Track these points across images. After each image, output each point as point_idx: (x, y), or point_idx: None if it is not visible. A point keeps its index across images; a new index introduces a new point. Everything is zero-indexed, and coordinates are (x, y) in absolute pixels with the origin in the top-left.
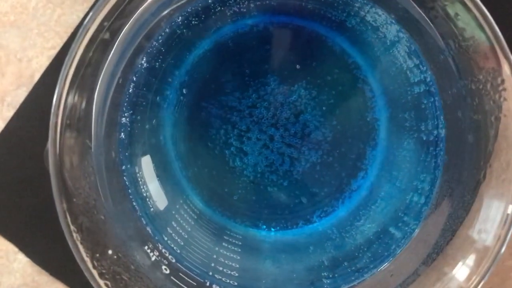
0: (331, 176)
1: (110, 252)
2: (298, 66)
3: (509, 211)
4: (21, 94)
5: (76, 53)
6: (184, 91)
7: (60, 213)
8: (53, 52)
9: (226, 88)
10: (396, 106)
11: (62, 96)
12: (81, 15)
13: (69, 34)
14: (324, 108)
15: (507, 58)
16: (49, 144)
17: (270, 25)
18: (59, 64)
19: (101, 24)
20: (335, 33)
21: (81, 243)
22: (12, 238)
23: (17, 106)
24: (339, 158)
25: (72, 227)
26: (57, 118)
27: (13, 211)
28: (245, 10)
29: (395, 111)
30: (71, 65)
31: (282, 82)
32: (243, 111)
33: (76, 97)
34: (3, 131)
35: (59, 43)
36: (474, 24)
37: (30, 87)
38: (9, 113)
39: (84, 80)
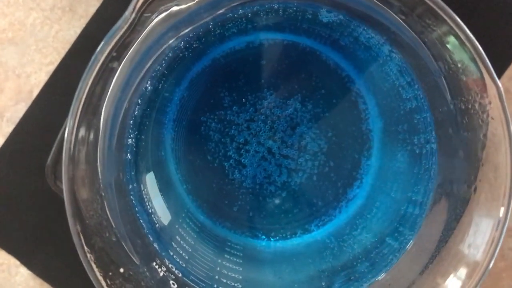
0: (327, 186)
1: (121, 270)
2: (293, 80)
3: (500, 215)
4: (20, 110)
5: (87, 84)
6: (183, 106)
7: (74, 235)
8: (51, 68)
9: (224, 103)
10: (389, 118)
11: (74, 128)
12: (78, 31)
13: (66, 49)
14: (319, 120)
15: (494, 81)
16: (63, 173)
17: (266, 41)
18: (58, 80)
19: (109, 54)
20: (328, 48)
21: (95, 263)
22: (14, 251)
23: (16, 121)
24: (335, 168)
25: (86, 248)
26: (70, 146)
27: (14, 225)
28: (243, 30)
29: (389, 123)
30: (82, 97)
31: (278, 96)
32: (241, 125)
33: (85, 127)
34: (2, 146)
35: (57, 58)
36: (463, 51)
37: (29, 102)
38: (8, 129)
39: (92, 109)
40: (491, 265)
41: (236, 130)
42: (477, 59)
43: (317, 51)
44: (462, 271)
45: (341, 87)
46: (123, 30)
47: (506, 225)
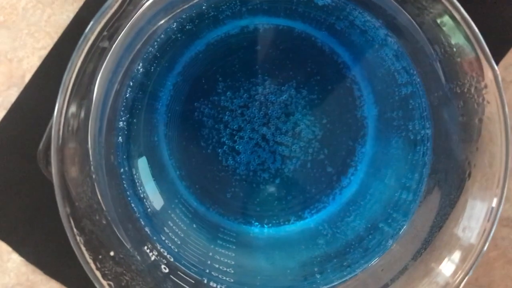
0: (321, 173)
1: (112, 253)
2: (288, 66)
3: (493, 204)
4: (12, 95)
5: (76, 63)
6: (176, 91)
7: (63, 217)
8: (44, 52)
9: (218, 88)
10: (384, 104)
11: (64, 106)
12: (71, 15)
13: (59, 34)
14: (314, 107)
15: (490, 64)
16: (52, 153)
17: (260, 26)
18: (50, 64)
19: (100, 33)
20: (324, 34)
21: (84, 245)
22: (6, 238)
23: (8, 106)
24: (329, 155)
25: (75, 231)
26: (59, 126)
27: (6, 211)
28: (237, 13)
29: (383, 109)
30: (72, 75)
31: (273, 82)
32: (235, 111)
33: (76, 106)
34: None
35: (49, 43)
36: (459, 32)
37: (21, 87)
38: (0, 114)
39: (83, 89)
40: (485, 248)
41: (230, 117)
42: (472, 40)
43: (313, 36)
44: (456, 255)
45: (337, 73)
46: (114, 8)
47: (501, 206)
